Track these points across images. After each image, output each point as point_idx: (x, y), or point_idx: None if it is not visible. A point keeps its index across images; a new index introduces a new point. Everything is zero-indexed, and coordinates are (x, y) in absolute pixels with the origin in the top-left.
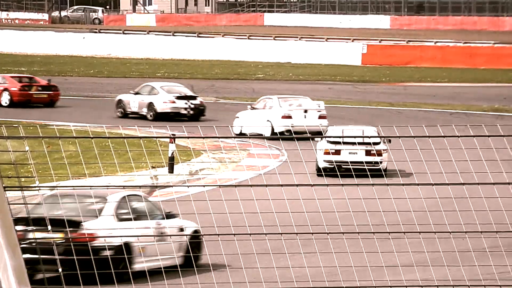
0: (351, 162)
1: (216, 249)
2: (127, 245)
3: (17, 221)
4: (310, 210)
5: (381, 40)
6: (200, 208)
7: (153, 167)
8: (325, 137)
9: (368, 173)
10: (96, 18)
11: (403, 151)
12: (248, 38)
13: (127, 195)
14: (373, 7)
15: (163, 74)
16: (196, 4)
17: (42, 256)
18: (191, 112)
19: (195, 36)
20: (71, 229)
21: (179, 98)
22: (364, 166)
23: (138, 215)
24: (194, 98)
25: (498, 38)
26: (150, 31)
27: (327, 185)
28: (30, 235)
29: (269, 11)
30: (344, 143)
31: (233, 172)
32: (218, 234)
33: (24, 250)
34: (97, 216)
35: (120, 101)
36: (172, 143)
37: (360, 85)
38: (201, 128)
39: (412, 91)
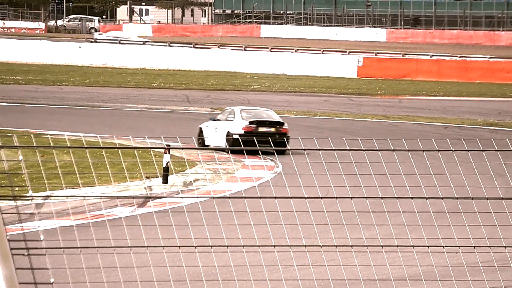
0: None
1: (208, 261)
2: None
3: None
4: (304, 223)
5: (377, 53)
6: (193, 219)
7: (147, 178)
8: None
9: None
10: (92, 27)
11: (397, 164)
12: (244, 50)
13: None
14: (370, 20)
15: (159, 84)
16: (192, 15)
17: None
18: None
19: (191, 47)
20: None
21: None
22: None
23: None
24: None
25: (493, 52)
26: (146, 41)
27: (321, 197)
28: None
29: (265, 23)
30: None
31: (227, 183)
32: (211, 246)
33: None
34: None
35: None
36: (167, 153)
37: (356, 97)
38: (195, 139)
39: (408, 104)
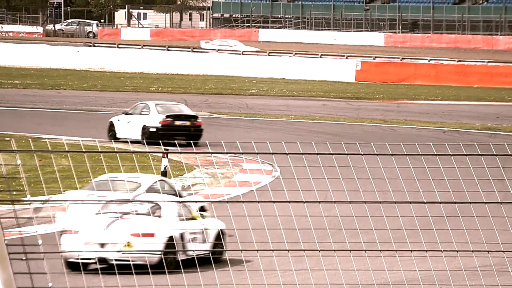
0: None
1: (207, 266)
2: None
3: None
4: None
5: (375, 57)
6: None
7: None
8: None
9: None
10: (90, 31)
11: (396, 168)
12: (242, 54)
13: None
14: (368, 24)
15: (157, 89)
16: (190, 19)
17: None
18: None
19: (189, 51)
20: None
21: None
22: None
23: None
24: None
25: (491, 56)
26: (144, 46)
27: (319, 202)
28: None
29: (263, 27)
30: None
31: (225, 187)
32: (209, 251)
33: None
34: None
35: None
36: (165, 158)
37: (354, 101)
38: (193, 143)
39: (406, 109)
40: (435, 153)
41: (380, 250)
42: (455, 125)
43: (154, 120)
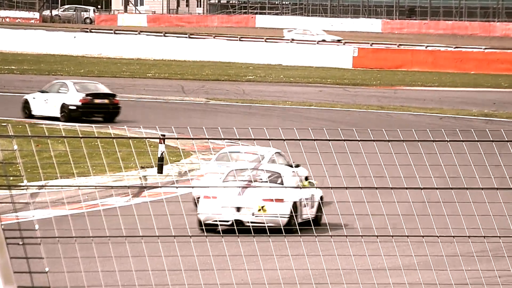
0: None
1: (204, 250)
2: None
3: None
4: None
5: (372, 43)
6: (188, 208)
7: (142, 168)
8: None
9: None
10: (87, 17)
11: (393, 154)
12: (239, 40)
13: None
14: (365, 10)
15: (154, 75)
16: (187, 5)
17: None
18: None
19: (186, 37)
20: None
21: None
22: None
23: None
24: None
25: (488, 43)
26: (141, 32)
27: (316, 187)
28: None
29: (260, 13)
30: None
31: None
32: (206, 235)
33: None
34: None
35: None
36: (162, 143)
37: (351, 88)
38: (190, 129)
39: (403, 95)
40: (432, 139)
41: (377, 236)
42: (451, 111)
43: (74, 98)
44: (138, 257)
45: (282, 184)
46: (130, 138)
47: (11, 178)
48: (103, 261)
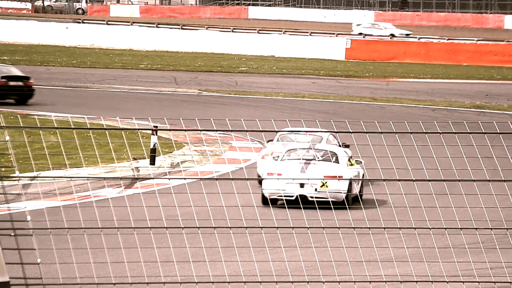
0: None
1: (196, 242)
2: None
3: None
4: (291, 205)
5: (365, 35)
6: (180, 200)
7: (134, 159)
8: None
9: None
10: (79, 8)
11: (385, 146)
12: (232, 31)
13: None
14: (358, 2)
15: (146, 66)
16: None
17: None
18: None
19: (178, 28)
20: None
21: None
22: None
23: None
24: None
25: (481, 35)
26: (133, 22)
27: (308, 179)
28: None
29: (253, 5)
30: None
31: (214, 165)
32: (198, 227)
33: None
34: None
35: None
36: (154, 135)
37: (343, 79)
38: (183, 120)
39: (395, 87)
40: (424, 131)
41: (369, 228)
42: (444, 103)
43: None
44: (130, 249)
45: (338, 162)
46: (122, 129)
47: (3, 169)
48: (95, 252)
